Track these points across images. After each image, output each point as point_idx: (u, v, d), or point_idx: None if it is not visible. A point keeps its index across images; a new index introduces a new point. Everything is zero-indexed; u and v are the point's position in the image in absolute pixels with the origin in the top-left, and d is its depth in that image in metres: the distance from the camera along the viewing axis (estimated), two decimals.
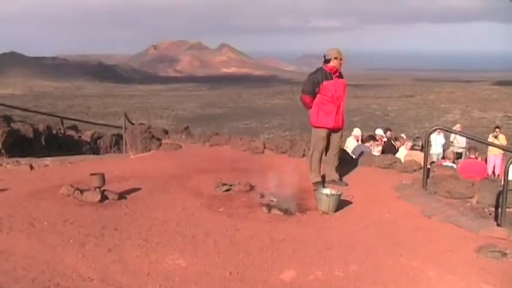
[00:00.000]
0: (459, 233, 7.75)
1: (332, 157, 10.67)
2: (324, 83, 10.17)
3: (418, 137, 18.08)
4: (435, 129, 13.22)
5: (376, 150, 16.16)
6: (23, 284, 5.46)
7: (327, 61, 10.37)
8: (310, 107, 10.46)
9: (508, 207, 8.51)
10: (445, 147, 22.16)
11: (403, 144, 17.89)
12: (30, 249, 6.50)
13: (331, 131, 10.41)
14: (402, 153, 16.31)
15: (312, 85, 10.30)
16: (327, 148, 10.57)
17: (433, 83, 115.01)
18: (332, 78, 10.23)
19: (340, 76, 10.44)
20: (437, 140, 22.69)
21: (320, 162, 10.58)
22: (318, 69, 10.47)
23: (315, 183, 10.34)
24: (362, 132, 19.16)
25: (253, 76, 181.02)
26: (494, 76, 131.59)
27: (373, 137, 17.99)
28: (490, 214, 8.94)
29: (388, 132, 20.17)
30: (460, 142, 22.89)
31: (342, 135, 10.88)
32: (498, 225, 8.23)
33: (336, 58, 10.28)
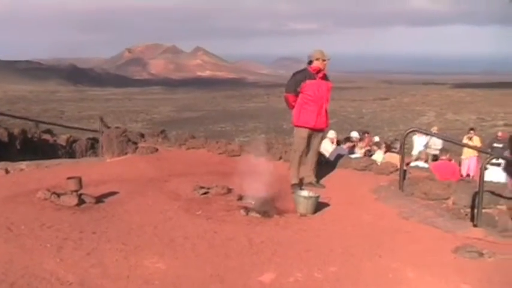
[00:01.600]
0: (436, 234, 7.82)
1: (310, 159, 10.70)
2: (306, 82, 10.25)
3: (396, 139, 18.21)
4: (411, 131, 13.28)
5: (360, 152, 16.24)
6: None
7: (310, 62, 10.44)
8: (293, 106, 10.53)
9: (484, 208, 8.58)
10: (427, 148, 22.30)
11: (379, 148, 18.00)
12: (8, 253, 6.46)
13: (313, 131, 10.45)
14: (378, 155, 16.39)
15: (294, 84, 10.41)
16: (306, 150, 10.59)
17: (407, 85, 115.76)
18: (315, 79, 10.31)
19: (325, 78, 10.52)
20: (419, 142, 22.87)
21: (299, 164, 10.62)
22: (302, 69, 10.61)
23: (293, 185, 10.35)
24: (337, 134, 19.22)
25: (228, 79, 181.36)
26: (467, 78, 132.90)
27: (349, 139, 18.07)
28: (466, 215, 9.01)
29: (366, 134, 20.22)
30: (436, 144, 23.04)
31: (322, 137, 11.02)
32: (474, 225, 8.33)
33: (317, 59, 10.33)
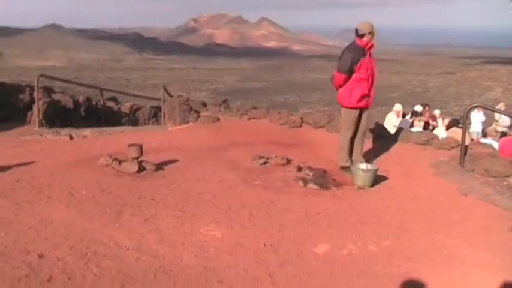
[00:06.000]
0: (495, 211, 7.67)
1: (359, 139, 10.12)
2: (362, 60, 9.51)
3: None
4: (474, 107, 13.02)
5: (419, 125, 16.08)
6: (62, 250, 5.56)
7: (360, 36, 9.64)
8: (341, 86, 9.86)
9: None
10: (485, 125, 21.79)
11: (434, 120, 17.85)
12: (69, 217, 6.61)
13: (362, 110, 9.87)
14: (441, 131, 16.20)
15: (351, 64, 9.54)
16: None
17: (474, 60, 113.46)
18: (366, 55, 9.60)
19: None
20: (476, 118, 22.26)
21: (350, 145, 10.06)
22: (352, 46, 9.78)
23: (343, 168, 9.91)
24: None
25: (293, 50, 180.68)
26: None
27: (415, 113, 17.92)
28: None
29: (426, 108, 19.95)
30: (504, 121, 22.39)
31: (368, 116, 10.19)
32: None
33: (370, 33, 9.57)
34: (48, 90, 15.89)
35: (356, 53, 9.56)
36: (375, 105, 19.18)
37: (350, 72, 9.58)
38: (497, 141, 13.75)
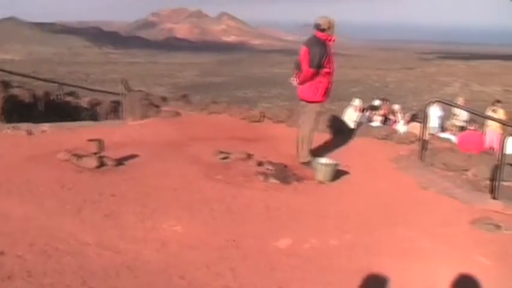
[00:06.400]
0: (454, 205, 7.80)
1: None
2: (327, 54, 9.56)
3: (421, 110, 18.02)
4: (433, 101, 13.14)
5: (377, 119, 16.18)
6: (21, 247, 5.50)
7: (321, 30, 9.63)
8: (307, 82, 9.77)
9: (504, 181, 8.53)
10: (443, 120, 21.98)
11: (394, 115, 17.94)
12: (28, 213, 6.53)
13: (323, 104, 9.95)
14: (401, 126, 16.33)
15: (320, 58, 9.50)
16: None
17: (433, 55, 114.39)
18: (330, 50, 9.66)
19: None
20: (434, 113, 22.41)
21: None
22: (315, 40, 9.72)
23: (304, 162, 9.84)
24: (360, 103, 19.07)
25: (253, 45, 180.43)
26: (495, 50, 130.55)
27: (374, 108, 18.01)
28: (485, 187, 8.96)
29: (385, 102, 20.04)
30: (463, 116, 22.61)
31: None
32: (493, 198, 8.27)
33: (330, 27, 9.60)
34: (6, 85, 15.69)
35: (322, 47, 9.56)
36: (335, 99, 19.18)
37: (319, 67, 9.55)
38: (456, 135, 13.94)
